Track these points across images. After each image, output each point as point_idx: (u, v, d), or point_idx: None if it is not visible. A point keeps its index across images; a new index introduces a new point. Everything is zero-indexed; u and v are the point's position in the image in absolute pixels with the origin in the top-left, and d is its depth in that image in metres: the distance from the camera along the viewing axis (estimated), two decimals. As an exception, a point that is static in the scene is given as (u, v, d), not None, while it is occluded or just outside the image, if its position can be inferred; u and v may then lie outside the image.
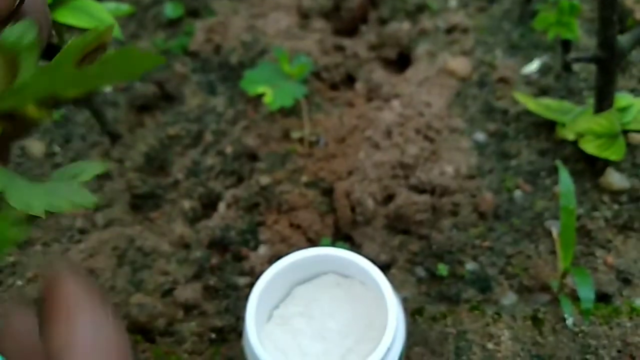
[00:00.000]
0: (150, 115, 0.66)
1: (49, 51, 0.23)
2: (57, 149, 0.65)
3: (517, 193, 0.50)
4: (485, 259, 0.46)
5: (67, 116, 0.67)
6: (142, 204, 0.59)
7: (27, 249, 0.55)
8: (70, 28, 0.47)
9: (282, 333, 0.34)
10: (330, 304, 0.35)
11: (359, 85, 0.65)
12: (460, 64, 0.62)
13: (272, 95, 0.53)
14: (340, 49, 0.69)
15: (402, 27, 0.69)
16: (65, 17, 0.48)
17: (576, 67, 0.58)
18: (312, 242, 0.51)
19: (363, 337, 0.33)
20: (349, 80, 0.66)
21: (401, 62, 0.69)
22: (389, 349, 0.30)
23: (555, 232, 0.44)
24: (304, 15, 0.73)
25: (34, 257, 0.54)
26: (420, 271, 0.47)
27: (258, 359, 0.31)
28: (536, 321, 0.40)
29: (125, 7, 0.56)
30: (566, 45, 0.56)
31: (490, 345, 0.39)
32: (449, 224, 0.49)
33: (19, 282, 0.51)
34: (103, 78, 0.18)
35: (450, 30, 0.68)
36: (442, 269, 0.47)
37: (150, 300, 0.48)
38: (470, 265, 0.46)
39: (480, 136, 0.55)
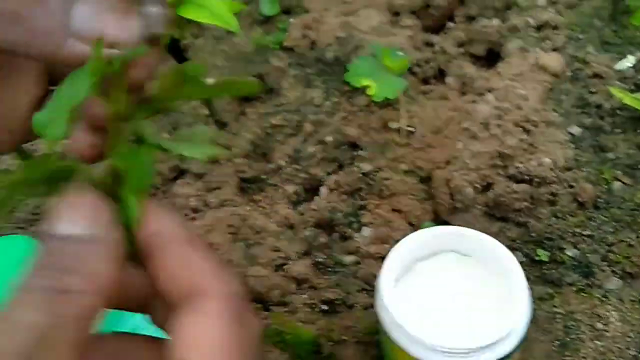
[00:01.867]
0: (252, 106, 0.70)
1: (172, 46, 0.28)
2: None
3: (616, 185, 0.52)
4: (586, 247, 0.49)
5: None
6: (248, 187, 0.64)
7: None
8: (191, 22, 0.52)
9: (409, 298, 0.38)
10: (454, 280, 0.38)
11: (451, 80, 0.68)
12: (552, 60, 0.64)
13: (376, 88, 0.56)
14: (429, 45, 0.72)
15: (491, 23, 0.71)
16: (188, 12, 0.52)
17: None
18: (413, 226, 0.54)
19: (488, 310, 0.36)
20: (440, 74, 0.69)
21: (490, 58, 0.71)
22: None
23: (658, 222, 0.46)
24: (395, 13, 0.76)
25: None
26: (520, 256, 0.50)
27: (392, 316, 0.35)
28: (644, 304, 0.43)
29: (236, 4, 0.61)
30: (665, 42, 0.57)
31: (599, 325, 0.41)
32: (548, 212, 0.52)
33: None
34: (217, 94, 0.24)
35: (540, 27, 0.69)
36: (542, 254, 0.49)
37: (265, 273, 0.53)
38: (570, 252, 0.49)
39: (575, 129, 0.57)
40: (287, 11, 0.81)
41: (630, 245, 0.48)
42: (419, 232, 0.40)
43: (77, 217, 0.20)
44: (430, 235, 0.39)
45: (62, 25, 0.19)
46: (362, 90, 0.63)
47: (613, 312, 0.42)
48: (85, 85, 0.19)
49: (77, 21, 0.19)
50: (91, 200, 0.21)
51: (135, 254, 0.22)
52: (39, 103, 0.26)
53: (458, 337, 0.34)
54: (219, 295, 0.21)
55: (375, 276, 0.51)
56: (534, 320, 0.43)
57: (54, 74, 0.27)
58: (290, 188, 0.62)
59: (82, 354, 0.19)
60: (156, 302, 0.23)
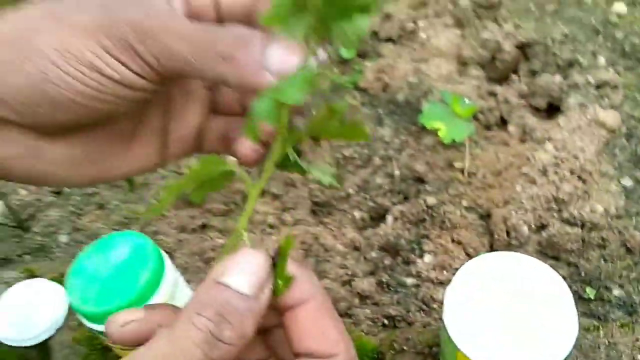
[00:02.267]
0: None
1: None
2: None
3: (664, 235, 0.57)
4: (632, 288, 0.53)
5: (256, 132, 0.82)
6: (319, 210, 0.71)
7: (228, 234, 0.68)
8: None
9: (473, 313, 0.43)
10: (512, 302, 0.44)
11: (512, 128, 0.74)
12: (610, 117, 0.69)
13: (445, 131, 0.63)
14: (493, 94, 0.79)
15: (553, 79, 0.77)
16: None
17: None
18: (471, 257, 0.60)
19: (540, 332, 0.41)
20: (502, 122, 0.76)
21: (550, 111, 0.77)
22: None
23: (703, 271, 0.51)
24: (462, 63, 0.84)
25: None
26: (569, 293, 0.55)
27: (461, 328, 0.41)
28: (682, 343, 0.47)
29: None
30: None
31: (639, 357, 0.46)
32: (597, 255, 0.57)
33: (228, 260, 0.65)
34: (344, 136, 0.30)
35: (600, 85, 0.75)
36: (590, 292, 0.54)
37: (333, 287, 0.59)
38: (617, 292, 0.53)
39: (628, 182, 0.62)
40: (362, 55, 0.90)
41: (674, 291, 0.52)
42: (482, 256, 0.46)
43: (244, 276, 0.24)
44: (496, 259, 0.45)
45: (261, 62, 0.26)
46: (429, 131, 0.70)
47: (654, 347, 0.46)
48: (300, 93, 0.26)
49: (271, 58, 0.26)
50: (258, 261, 0.25)
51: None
52: (203, 125, 0.34)
53: (515, 351, 0.40)
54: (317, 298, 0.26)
55: (433, 299, 0.57)
56: (579, 348, 0.48)
57: (214, 103, 0.35)
58: (358, 214, 0.69)
59: None
60: None
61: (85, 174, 0.31)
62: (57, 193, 0.81)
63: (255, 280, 0.25)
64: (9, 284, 0.66)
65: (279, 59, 0.26)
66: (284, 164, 0.30)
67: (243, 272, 0.25)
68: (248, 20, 0.29)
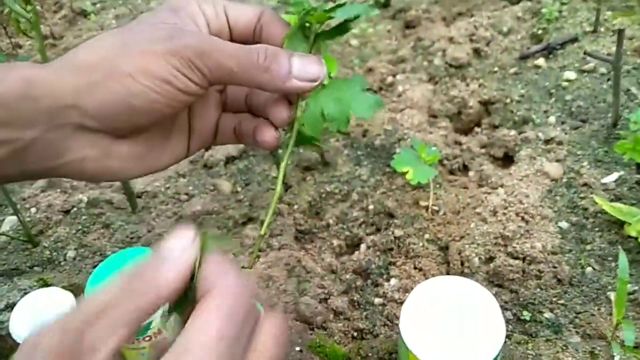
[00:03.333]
0: (312, 174, 0.90)
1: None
2: (239, 189, 0.91)
3: (589, 269, 0.69)
4: (560, 312, 0.65)
5: (248, 166, 0.94)
6: (302, 237, 0.82)
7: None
8: None
9: (423, 325, 0.54)
10: (453, 317, 0.55)
11: (472, 174, 0.87)
12: (554, 168, 0.82)
13: (412, 174, 0.75)
14: (458, 143, 0.92)
15: (509, 133, 0.91)
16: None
17: (647, 183, 0.77)
18: (430, 282, 0.71)
19: (476, 338, 0.52)
20: (465, 168, 0.88)
21: (506, 160, 0.90)
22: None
23: (613, 298, 0.62)
24: (433, 115, 0.97)
25: (229, 262, 0.78)
26: (509, 315, 0.67)
27: (412, 334, 0.52)
28: (593, 355, 0.58)
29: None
30: (639, 166, 0.75)
31: (558, 365, 0.57)
32: (534, 284, 0.68)
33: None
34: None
35: (548, 141, 0.88)
36: (526, 314, 0.66)
37: (312, 303, 0.70)
38: (547, 315, 0.65)
39: (564, 224, 0.75)
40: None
41: (592, 315, 0.64)
42: (435, 279, 0.57)
43: (173, 242, 0.28)
44: (441, 282, 0.56)
45: (289, 70, 0.37)
46: (400, 173, 0.82)
47: (570, 358, 0.57)
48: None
49: (295, 68, 0.37)
50: (184, 234, 0.28)
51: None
52: (217, 121, 0.44)
53: (455, 352, 0.51)
54: (220, 293, 0.26)
55: (396, 316, 0.68)
56: (511, 358, 0.59)
57: (224, 104, 0.45)
58: (336, 242, 0.80)
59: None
60: None
61: (141, 166, 0.40)
62: (66, 212, 0.90)
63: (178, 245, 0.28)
64: (25, 291, 0.76)
65: (302, 68, 0.38)
66: (300, 142, 0.42)
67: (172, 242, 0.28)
68: (252, 35, 0.41)
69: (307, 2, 0.86)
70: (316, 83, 0.38)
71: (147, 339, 0.58)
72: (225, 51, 0.36)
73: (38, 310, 0.66)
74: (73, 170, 0.37)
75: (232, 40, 0.40)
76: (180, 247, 0.27)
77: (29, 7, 1.32)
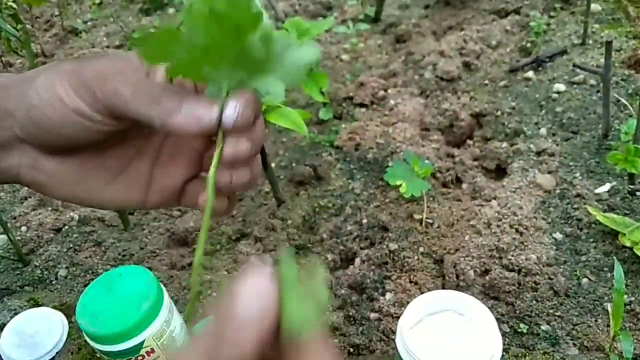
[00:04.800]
0: (305, 189, 0.90)
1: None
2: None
3: (584, 280, 0.68)
4: (557, 324, 0.64)
5: (241, 182, 0.93)
6: (296, 252, 0.81)
7: (217, 272, 0.78)
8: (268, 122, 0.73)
9: (419, 340, 0.54)
10: (449, 331, 0.54)
11: (465, 186, 0.86)
12: (546, 180, 0.82)
13: (406, 187, 0.75)
14: (451, 156, 0.92)
15: (501, 145, 0.91)
16: (273, 118, 0.73)
17: (638, 193, 0.77)
18: (425, 296, 0.71)
19: (471, 350, 0.52)
20: (457, 181, 0.88)
21: (498, 172, 0.90)
22: None
23: (610, 309, 0.62)
24: (425, 128, 0.97)
25: (222, 278, 0.77)
26: (506, 327, 0.66)
27: (409, 349, 0.51)
28: (591, 367, 0.58)
29: (306, 113, 0.81)
30: (631, 177, 0.75)
31: (556, 378, 0.56)
32: (530, 296, 0.68)
33: (214, 294, 0.74)
34: None
35: (540, 152, 0.89)
36: (523, 327, 0.65)
37: (307, 319, 0.69)
38: (544, 327, 0.64)
39: (558, 236, 0.74)
40: (339, 117, 1.02)
41: (589, 326, 0.63)
42: (430, 293, 0.56)
43: (247, 302, 0.23)
44: (437, 296, 0.56)
45: (178, 109, 0.33)
46: (393, 186, 0.82)
47: (568, 371, 0.57)
48: None
49: (184, 109, 0.33)
50: (262, 288, 0.24)
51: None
52: (185, 182, 0.40)
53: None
54: None
55: (392, 331, 0.67)
56: (509, 371, 0.58)
57: (204, 162, 0.41)
58: (330, 256, 0.79)
59: None
60: None
61: (75, 190, 0.39)
62: (57, 230, 0.89)
63: (255, 304, 0.24)
64: (15, 311, 0.74)
65: (191, 111, 0.33)
66: None
67: (245, 300, 0.24)
68: None
69: (302, 22, 0.86)
70: (200, 127, 0.33)
71: (140, 358, 0.57)
72: (126, 80, 0.34)
73: (28, 331, 0.65)
74: (12, 175, 0.38)
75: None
76: (258, 296, 0.24)
77: (19, 26, 1.31)
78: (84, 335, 0.58)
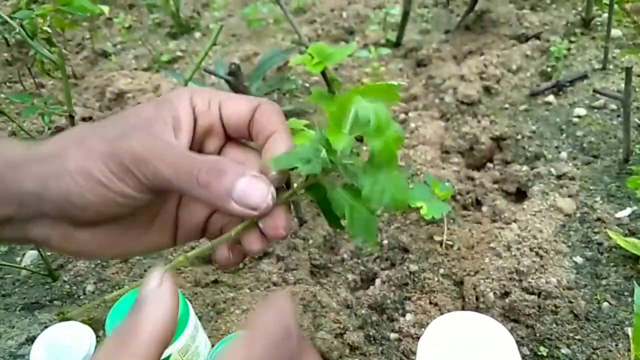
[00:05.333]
0: (326, 209, 0.91)
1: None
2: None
3: (605, 305, 0.69)
4: (577, 348, 0.65)
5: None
6: (317, 271, 0.83)
7: (240, 289, 0.80)
8: None
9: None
10: (469, 353, 0.55)
11: (485, 209, 0.87)
12: (567, 204, 0.83)
13: (427, 209, 0.76)
14: (471, 179, 0.93)
15: (521, 169, 0.92)
16: (298, 141, 0.75)
17: (660, 218, 0.77)
18: (445, 317, 0.71)
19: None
20: (477, 204, 0.89)
21: (518, 195, 0.91)
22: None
23: (630, 333, 0.62)
24: (445, 151, 0.98)
25: (245, 295, 0.78)
26: (526, 350, 0.66)
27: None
28: (612, 392, 0.58)
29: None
30: (652, 201, 0.76)
31: (576, 402, 0.56)
32: (550, 319, 0.68)
33: (237, 311, 0.76)
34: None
35: (560, 176, 0.89)
36: (543, 350, 0.65)
37: (328, 338, 0.70)
38: (564, 350, 0.65)
39: (579, 259, 0.75)
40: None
41: (609, 350, 0.64)
42: (451, 314, 0.57)
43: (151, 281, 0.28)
44: (457, 317, 0.57)
45: (229, 193, 0.34)
46: (413, 208, 0.83)
47: (588, 394, 0.57)
48: None
49: (237, 190, 0.33)
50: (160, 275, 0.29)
51: None
52: (206, 219, 0.41)
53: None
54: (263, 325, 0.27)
55: (412, 351, 0.68)
56: (529, 394, 0.59)
57: None
58: (351, 277, 0.81)
59: None
60: None
61: (109, 252, 0.40)
62: (85, 247, 0.92)
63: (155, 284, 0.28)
64: (45, 325, 0.77)
65: (244, 193, 0.34)
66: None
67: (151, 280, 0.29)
68: (247, 129, 0.39)
69: (326, 47, 0.89)
70: (256, 212, 0.34)
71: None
72: (165, 160, 0.34)
73: (57, 344, 0.67)
74: (43, 243, 0.39)
75: (225, 134, 0.40)
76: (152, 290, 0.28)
77: (53, 49, 1.37)
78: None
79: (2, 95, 1.39)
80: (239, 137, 0.40)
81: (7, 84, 1.47)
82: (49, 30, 1.33)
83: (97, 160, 0.34)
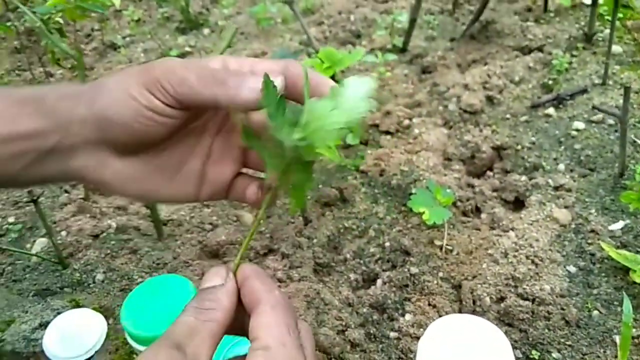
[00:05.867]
0: (330, 210, 0.95)
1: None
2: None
3: (595, 313, 0.73)
4: (567, 353, 0.69)
5: (270, 200, 0.98)
6: (320, 270, 0.86)
7: (246, 285, 0.83)
8: None
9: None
10: (466, 354, 0.58)
11: (484, 216, 0.91)
12: (562, 215, 0.87)
13: (429, 215, 0.80)
14: (471, 187, 0.97)
15: (520, 178, 0.95)
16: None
17: (651, 232, 0.81)
18: (443, 319, 0.75)
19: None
20: (477, 211, 0.93)
21: (516, 204, 0.95)
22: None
23: (618, 341, 0.66)
24: (447, 158, 1.02)
25: (251, 291, 0.82)
26: (518, 354, 0.70)
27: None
28: (598, 395, 0.62)
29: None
30: (644, 216, 0.80)
31: (565, 403, 0.60)
32: (543, 325, 0.72)
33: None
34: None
35: (557, 187, 0.93)
36: (535, 354, 0.69)
37: (330, 334, 0.74)
38: (555, 355, 0.69)
39: (572, 269, 0.79)
40: (365, 143, 1.08)
41: (598, 357, 0.67)
42: (450, 316, 0.61)
43: (212, 278, 0.37)
44: (456, 319, 0.60)
45: (243, 84, 0.38)
46: (415, 212, 0.86)
47: (576, 397, 0.61)
48: None
49: (248, 83, 0.38)
50: (220, 270, 0.38)
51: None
52: (232, 178, 0.46)
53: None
54: (267, 303, 0.35)
55: (411, 350, 0.71)
56: (521, 394, 0.63)
57: (246, 159, 0.47)
58: (353, 276, 0.84)
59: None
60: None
61: (138, 187, 0.44)
62: (95, 237, 0.95)
63: (218, 279, 0.37)
64: (57, 311, 0.80)
65: (254, 85, 0.38)
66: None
67: (211, 278, 0.37)
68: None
69: (335, 52, 0.91)
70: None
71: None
72: (189, 68, 0.39)
73: (70, 330, 0.70)
74: (79, 176, 0.43)
75: None
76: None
77: (64, 39, 1.39)
78: (127, 336, 0.64)
79: (11, 83, 1.41)
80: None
81: (16, 71, 1.49)
82: (61, 22, 1.35)
83: (132, 77, 0.39)
